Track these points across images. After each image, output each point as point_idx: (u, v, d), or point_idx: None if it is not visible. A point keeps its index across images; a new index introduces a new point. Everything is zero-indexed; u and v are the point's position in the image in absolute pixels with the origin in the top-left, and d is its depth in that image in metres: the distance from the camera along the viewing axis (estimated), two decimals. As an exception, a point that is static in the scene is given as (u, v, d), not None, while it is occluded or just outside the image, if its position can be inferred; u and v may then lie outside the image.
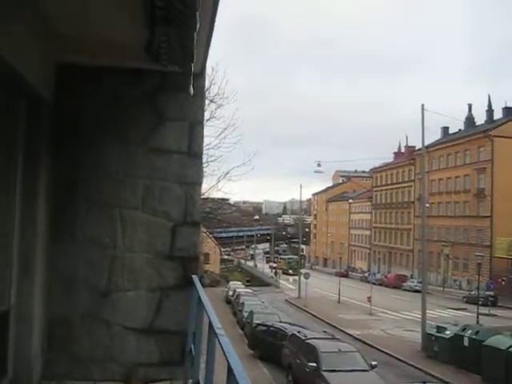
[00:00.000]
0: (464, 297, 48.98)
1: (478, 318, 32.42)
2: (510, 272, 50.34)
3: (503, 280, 50.04)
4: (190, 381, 4.58)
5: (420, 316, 27.39)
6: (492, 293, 45.45)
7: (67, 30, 4.60)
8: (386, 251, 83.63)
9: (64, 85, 5.23)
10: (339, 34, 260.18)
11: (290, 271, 77.16)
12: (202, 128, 5.68)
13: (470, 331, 22.31)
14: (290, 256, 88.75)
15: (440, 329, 24.28)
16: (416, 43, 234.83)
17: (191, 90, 4.81)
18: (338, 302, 46.34)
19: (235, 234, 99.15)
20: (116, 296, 5.28)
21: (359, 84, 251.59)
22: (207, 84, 16.39)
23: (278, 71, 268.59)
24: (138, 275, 5.35)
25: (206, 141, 15.49)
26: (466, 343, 21.81)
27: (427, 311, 27.42)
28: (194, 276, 5.28)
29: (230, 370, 2.72)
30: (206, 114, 17.17)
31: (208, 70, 7.20)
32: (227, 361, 2.79)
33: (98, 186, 5.33)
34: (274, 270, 78.54)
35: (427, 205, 43.54)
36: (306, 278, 48.29)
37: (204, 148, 6.40)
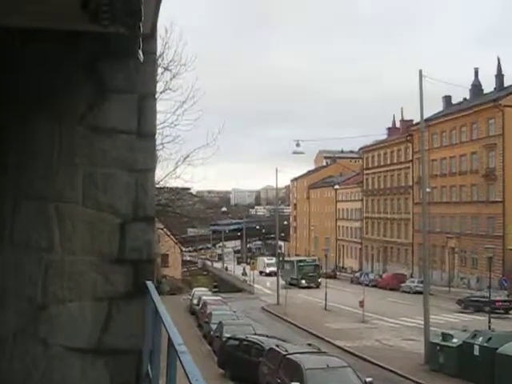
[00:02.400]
0: (465, 299, 47.03)
1: (489, 321, 33.04)
2: (526, 267, 51.36)
3: (519, 276, 51.05)
4: (148, 409, 4.58)
5: (422, 322, 27.78)
6: (506, 292, 46.20)
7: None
8: (380, 246, 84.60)
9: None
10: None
11: (304, 282, 66.76)
12: (155, 102, 5.64)
13: (480, 338, 22.72)
14: (303, 258, 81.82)
15: (446, 336, 24.67)
16: (409, 3, 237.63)
17: (140, 56, 4.76)
18: (325, 308, 46.76)
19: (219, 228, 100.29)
20: (54, 309, 5.23)
21: (343, 54, 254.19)
22: (160, 48, 16.26)
23: (250, 38, 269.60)
24: (81, 283, 5.31)
25: (159, 117, 15.39)
26: (476, 352, 22.22)
27: (431, 316, 27.84)
28: (148, 282, 5.26)
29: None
30: (160, 85, 17.07)
31: (161, 31, 7.12)
32: None
33: (28, 175, 5.25)
34: (243, 271, 79.49)
35: (428, 189, 44.03)
36: (286, 281, 48.59)
37: (158, 126, 6.35)
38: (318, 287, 64.07)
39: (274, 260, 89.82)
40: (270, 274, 79.75)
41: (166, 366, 3.65)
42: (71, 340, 5.26)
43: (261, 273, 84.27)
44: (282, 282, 58.43)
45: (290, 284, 65.89)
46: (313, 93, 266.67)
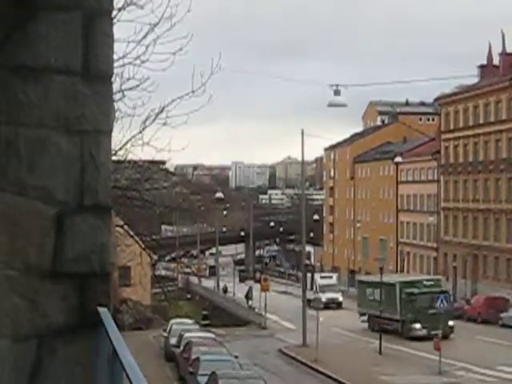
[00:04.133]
0: None
1: None
2: None
3: None
4: None
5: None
6: None
7: None
8: (467, 254, 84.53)
9: None
10: None
11: (419, 327, 55.86)
12: (111, 24, 5.63)
13: None
14: (414, 277, 70.33)
15: None
16: None
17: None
18: (379, 351, 46.83)
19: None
20: (-47, 353, 5.27)
21: None
22: None
23: None
24: (-6, 312, 5.33)
25: (118, 49, 15.32)
26: None
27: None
28: (102, 309, 5.28)
29: None
30: (118, -2, 17.01)
31: None
32: None
33: None
34: (247, 293, 78.74)
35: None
36: (318, 309, 48.75)
37: (115, 64, 6.33)
38: (448, 338, 53.21)
39: (334, 279, 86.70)
40: (328, 306, 74.97)
41: None
42: (-20, 400, 5.30)
43: (309, 303, 79.79)
44: (355, 320, 57.61)
45: (383, 329, 53.86)
46: (359, 10, 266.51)
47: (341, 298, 77.67)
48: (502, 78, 78.77)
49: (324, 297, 72.83)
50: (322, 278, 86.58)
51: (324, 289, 78.69)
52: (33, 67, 5.39)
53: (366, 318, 64.51)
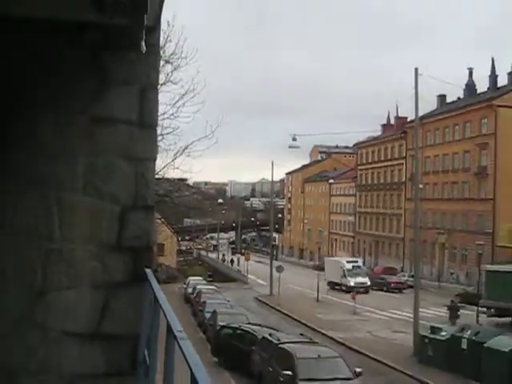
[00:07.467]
0: (458, 294, 45.89)
1: (477, 316, 33.11)
2: (514, 263, 51.45)
3: (507, 272, 51.05)
4: (143, 394, 4.56)
5: (411, 315, 27.88)
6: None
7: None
8: (372, 240, 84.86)
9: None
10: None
11: None
12: (156, 93, 5.61)
13: (468, 332, 22.85)
14: None
15: (434, 330, 24.79)
16: (413, 9, 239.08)
17: (143, 47, 4.73)
18: (317, 300, 46.87)
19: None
20: (53, 295, 5.21)
21: (344, 52, 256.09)
22: (162, 41, 16.19)
23: (251, 37, 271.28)
24: (80, 270, 5.28)
25: (160, 109, 15.35)
26: (464, 346, 22.34)
27: (420, 310, 27.95)
28: (147, 270, 5.25)
29: (193, 381, 2.72)
30: (161, 77, 17.03)
31: (163, 25, 7.10)
32: (190, 370, 2.79)
33: (29, 164, 5.21)
34: (231, 260, 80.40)
35: (420, 186, 44.17)
36: (279, 272, 48.63)
37: (158, 118, 6.33)
38: None
39: (359, 262, 61.34)
40: (356, 290, 45.94)
41: (163, 352, 3.65)
42: (69, 325, 5.24)
43: (333, 286, 56.87)
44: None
45: None
46: (312, 87, 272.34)
47: (369, 282, 56.05)
48: (395, 133, 79.74)
49: (352, 281, 54.07)
50: (348, 262, 58.61)
51: (352, 273, 56.11)
52: (106, 118, 5.40)
53: None
